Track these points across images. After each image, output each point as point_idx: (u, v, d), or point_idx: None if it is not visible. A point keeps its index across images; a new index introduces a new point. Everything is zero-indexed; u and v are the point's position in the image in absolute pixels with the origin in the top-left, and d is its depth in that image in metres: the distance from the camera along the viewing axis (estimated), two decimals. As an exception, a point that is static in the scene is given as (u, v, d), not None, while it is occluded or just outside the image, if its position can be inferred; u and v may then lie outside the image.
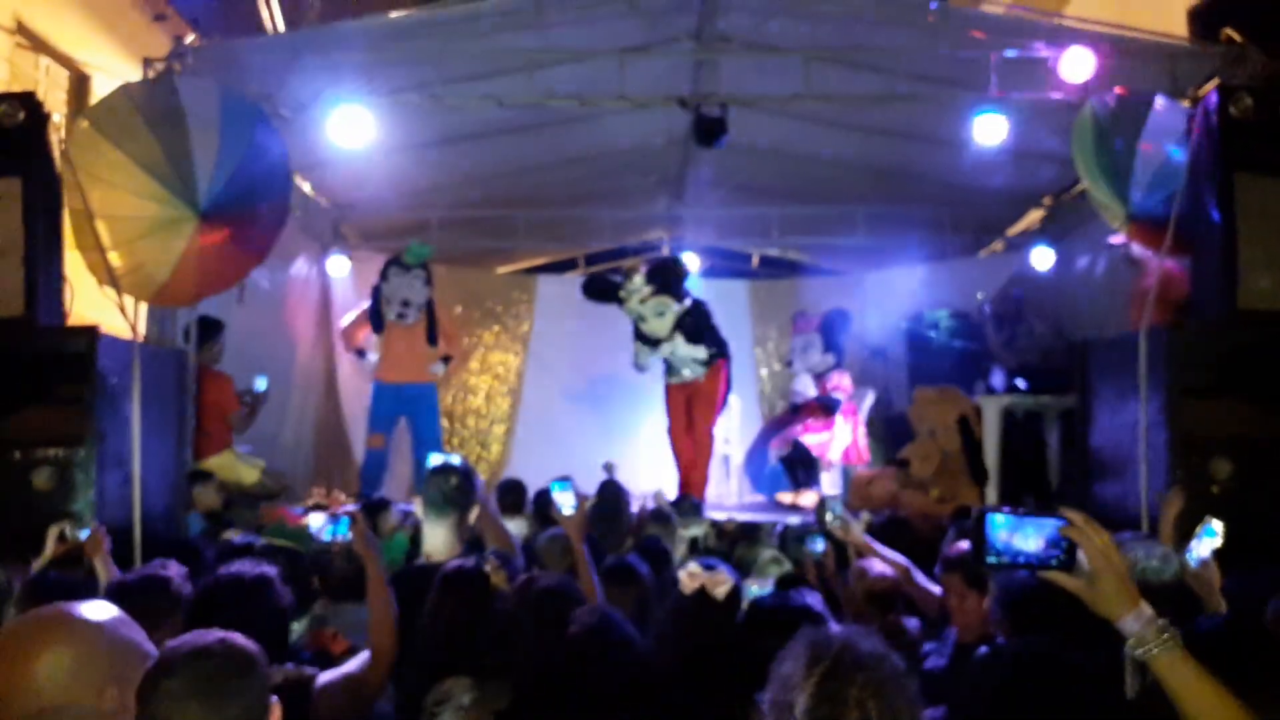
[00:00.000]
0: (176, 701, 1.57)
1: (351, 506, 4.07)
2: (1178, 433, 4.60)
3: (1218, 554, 3.37)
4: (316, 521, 3.18)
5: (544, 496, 5.46)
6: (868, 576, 3.82)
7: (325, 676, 2.53)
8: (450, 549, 3.22)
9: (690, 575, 2.60)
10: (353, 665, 2.65)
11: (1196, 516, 4.33)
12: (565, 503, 3.19)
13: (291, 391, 8.05)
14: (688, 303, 7.42)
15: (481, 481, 3.59)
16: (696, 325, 7.41)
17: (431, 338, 8.08)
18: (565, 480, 3.23)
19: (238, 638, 1.69)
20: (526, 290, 10.31)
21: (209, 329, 6.17)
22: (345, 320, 8.40)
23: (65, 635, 1.41)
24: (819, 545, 4.33)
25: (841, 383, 8.52)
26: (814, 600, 2.59)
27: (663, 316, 7.32)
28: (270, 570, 2.65)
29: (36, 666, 1.38)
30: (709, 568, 2.63)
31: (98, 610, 1.47)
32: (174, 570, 2.73)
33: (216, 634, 1.68)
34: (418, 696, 2.51)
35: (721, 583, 2.57)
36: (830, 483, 8.35)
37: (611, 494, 4.77)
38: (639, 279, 7.38)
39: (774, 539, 5.93)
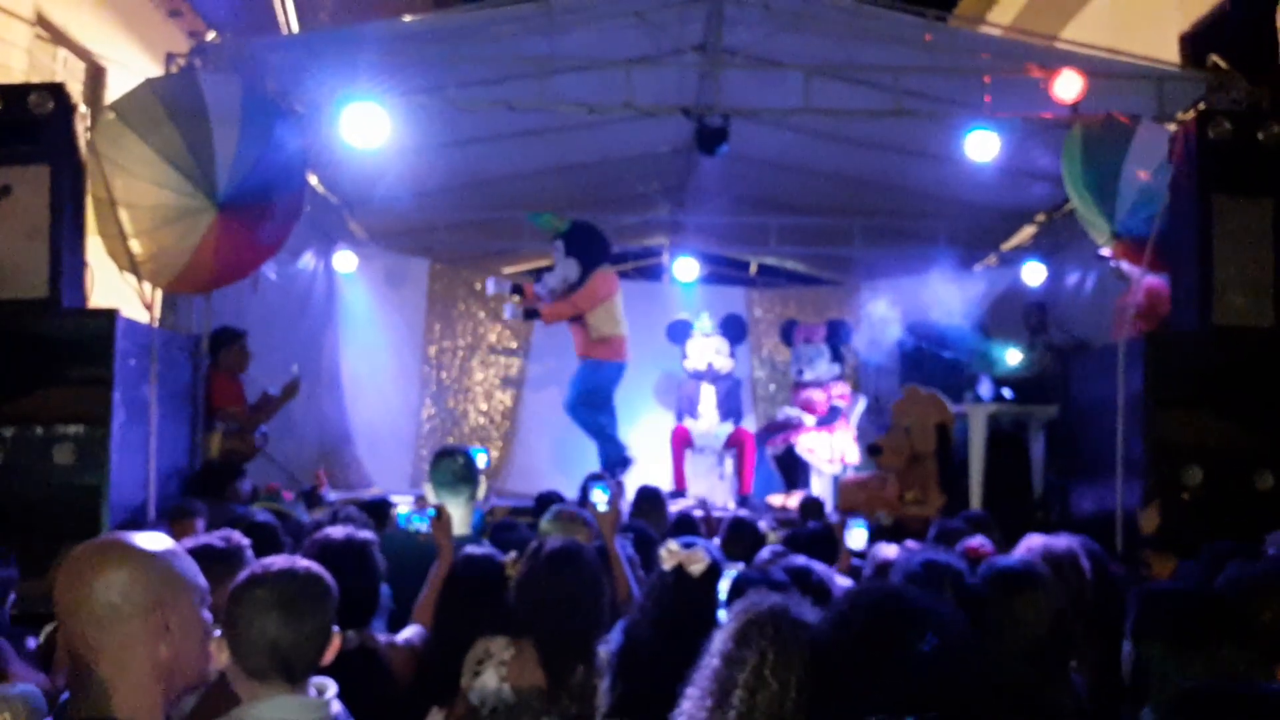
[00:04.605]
0: (262, 609, 1.87)
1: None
2: (1152, 441, 4.80)
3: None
4: (403, 509, 3.49)
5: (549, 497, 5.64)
6: (877, 560, 4.03)
7: (389, 640, 2.82)
8: (463, 524, 3.44)
9: (669, 553, 2.78)
10: (413, 637, 2.96)
11: (1169, 520, 4.57)
12: (600, 500, 3.46)
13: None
14: None
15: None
16: None
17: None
18: (601, 479, 3.50)
19: (320, 568, 1.94)
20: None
21: (225, 338, 6.18)
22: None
23: (121, 559, 1.61)
24: (861, 533, 4.36)
25: (844, 392, 8.73)
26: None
27: None
28: (372, 536, 2.91)
29: (95, 583, 1.58)
30: (687, 545, 2.81)
31: (154, 541, 1.66)
32: (238, 538, 2.91)
33: (304, 562, 1.93)
34: (448, 659, 2.76)
35: (698, 560, 2.75)
36: (821, 487, 8.53)
37: (651, 493, 5.08)
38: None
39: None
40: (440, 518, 3.25)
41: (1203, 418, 4.78)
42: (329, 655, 1.95)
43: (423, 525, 3.31)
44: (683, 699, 1.75)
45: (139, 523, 4.20)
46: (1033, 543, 2.89)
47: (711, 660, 1.73)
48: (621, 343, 8.04)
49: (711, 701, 1.72)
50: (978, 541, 3.40)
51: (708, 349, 8.86)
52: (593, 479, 3.54)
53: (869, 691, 1.49)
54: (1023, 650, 2.11)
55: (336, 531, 2.88)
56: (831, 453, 8.48)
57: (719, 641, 1.72)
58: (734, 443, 8.63)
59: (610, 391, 8.11)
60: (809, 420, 8.59)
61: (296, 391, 6.34)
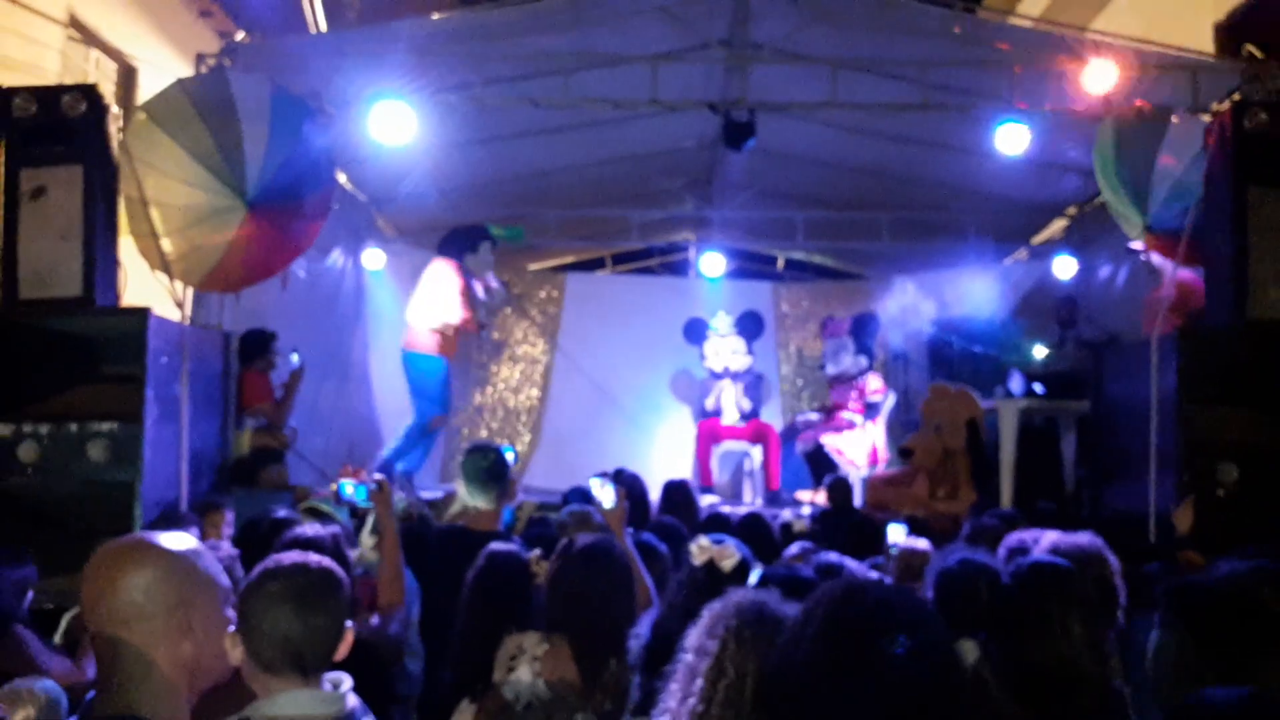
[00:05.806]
0: (276, 602, 1.89)
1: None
2: (1186, 438, 4.72)
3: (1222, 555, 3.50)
4: (346, 486, 3.44)
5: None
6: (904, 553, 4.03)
7: (369, 627, 2.82)
8: (493, 520, 3.47)
9: (700, 549, 2.78)
10: (378, 620, 2.98)
11: (1204, 519, 4.50)
12: (605, 498, 3.37)
13: (326, 379, 8.27)
14: None
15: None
16: None
17: None
18: (603, 475, 3.43)
19: (332, 563, 1.96)
20: (556, 287, 10.52)
21: (258, 342, 6.27)
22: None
23: (145, 559, 1.63)
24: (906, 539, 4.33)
25: (876, 385, 8.69)
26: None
27: None
28: (339, 529, 2.92)
29: (119, 582, 1.60)
30: (718, 542, 2.81)
31: (178, 541, 1.68)
32: (224, 550, 2.94)
33: (315, 557, 1.95)
34: (476, 653, 2.78)
35: (728, 556, 2.75)
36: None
37: (630, 481, 5.02)
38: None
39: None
40: (381, 490, 3.18)
41: (1238, 413, 4.68)
42: (343, 650, 1.97)
43: (361, 499, 3.25)
44: (663, 695, 1.78)
45: (171, 518, 4.24)
46: (1056, 539, 2.85)
47: (684, 655, 1.76)
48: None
49: (682, 693, 1.75)
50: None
51: (724, 350, 8.85)
52: (598, 475, 3.45)
53: (827, 692, 1.44)
54: (1087, 640, 2.12)
55: (309, 528, 2.91)
56: (860, 451, 8.43)
57: (691, 637, 1.74)
58: (759, 437, 8.59)
59: None
60: (853, 417, 8.53)
61: (301, 376, 6.54)
